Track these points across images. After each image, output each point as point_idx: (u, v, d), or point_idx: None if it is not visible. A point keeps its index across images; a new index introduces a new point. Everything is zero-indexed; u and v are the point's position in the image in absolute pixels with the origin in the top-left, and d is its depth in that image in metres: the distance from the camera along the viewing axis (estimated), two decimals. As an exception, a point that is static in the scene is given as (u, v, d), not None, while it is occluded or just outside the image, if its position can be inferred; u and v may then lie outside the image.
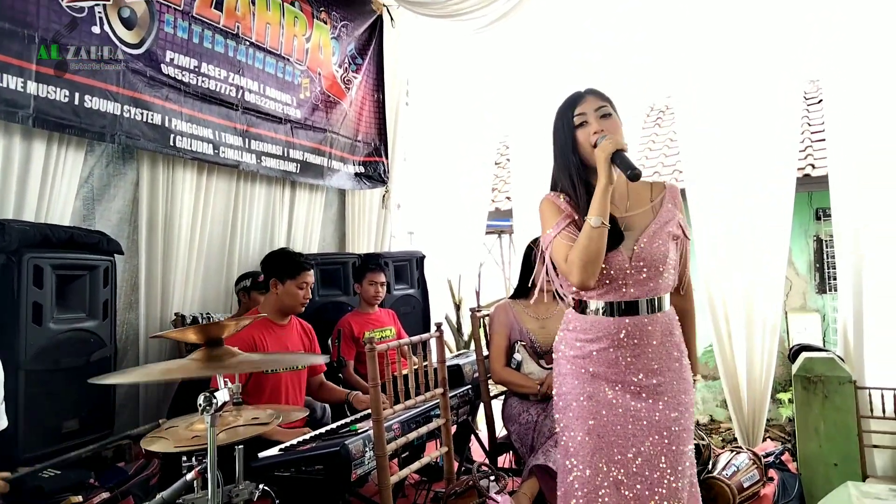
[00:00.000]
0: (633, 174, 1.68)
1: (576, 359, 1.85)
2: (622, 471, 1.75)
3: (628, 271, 1.80)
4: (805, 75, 4.21)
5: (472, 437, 3.34)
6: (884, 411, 3.29)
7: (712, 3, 3.85)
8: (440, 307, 4.90)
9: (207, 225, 3.54)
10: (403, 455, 2.81)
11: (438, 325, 2.29)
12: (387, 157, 4.78)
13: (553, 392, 1.93)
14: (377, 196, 4.87)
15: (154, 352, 3.27)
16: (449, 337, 4.84)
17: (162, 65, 3.07)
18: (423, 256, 4.57)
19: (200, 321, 3.32)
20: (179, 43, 3.16)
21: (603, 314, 1.82)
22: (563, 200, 1.87)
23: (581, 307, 1.87)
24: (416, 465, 2.31)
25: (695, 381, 1.87)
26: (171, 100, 3.11)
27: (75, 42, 2.67)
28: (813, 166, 6.22)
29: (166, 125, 3.08)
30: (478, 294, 7.77)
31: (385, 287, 3.74)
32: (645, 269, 1.81)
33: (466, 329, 4.93)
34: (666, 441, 1.77)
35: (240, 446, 1.62)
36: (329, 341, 3.56)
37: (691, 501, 1.84)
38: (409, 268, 4.43)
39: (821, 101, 5.05)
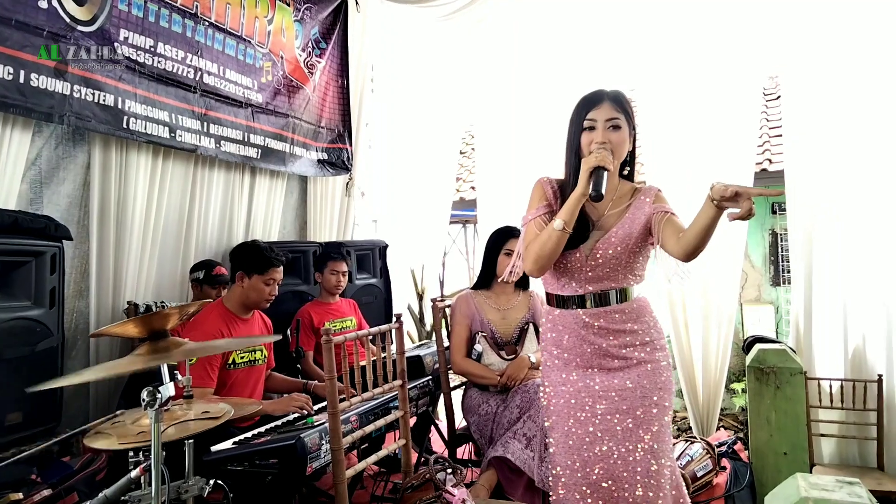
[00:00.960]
0: (594, 195, 1.79)
1: (551, 347, 2.01)
2: (592, 448, 1.87)
3: (585, 268, 1.93)
4: (764, 71, 4.28)
5: (433, 427, 3.34)
6: (831, 401, 3.40)
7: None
8: (403, 297, 4.87)
9: (163, 210, 3.42)
10: (363, 447, 2.78)
11: (398, 317, 2.26)
12: (351, 144, 4.71)
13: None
14: (340, 183, 4.80)
15: (105, 341, 3.17)
16: (411, 327, 4.82)
17: (115, 43, 2.95)
18: (386, 245, 4.53)
19: (154, 310, 3.23)
20: (134, 21, 3.05)
21: (565, 306, 1.97)
22: (551, 188, 2.00)
23: (549, 300, 2.03)
24: (374, 457, 2.28)
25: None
26: (125, 80, 3.00)
27: (20, 16, 2.54)
28: (770, 161, 6.35)
29: (119, 106, 2.96)
30: (442, 284, 7.76)
31: (347, 276, 3.70)
32: (599, 268, 1.92)
33: (429, 319, 4.91)
34: (630, 418, 1.87)
35: (189, 441, 1.57)
36: (288, 331, 3.50)
37: (671, 484, 1.89)
38: (372, 257, 4.38)
39: (779, 97, 5.14)
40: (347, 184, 4.76)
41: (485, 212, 4.79)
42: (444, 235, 5.33)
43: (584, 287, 1.94)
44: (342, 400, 1.92)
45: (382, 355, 2.23)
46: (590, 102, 1.93)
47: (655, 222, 1.91)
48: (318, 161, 4.42)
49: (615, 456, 1.84)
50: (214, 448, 2.02)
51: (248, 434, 2.18)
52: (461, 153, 8.33)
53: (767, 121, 7.07)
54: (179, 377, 1.60)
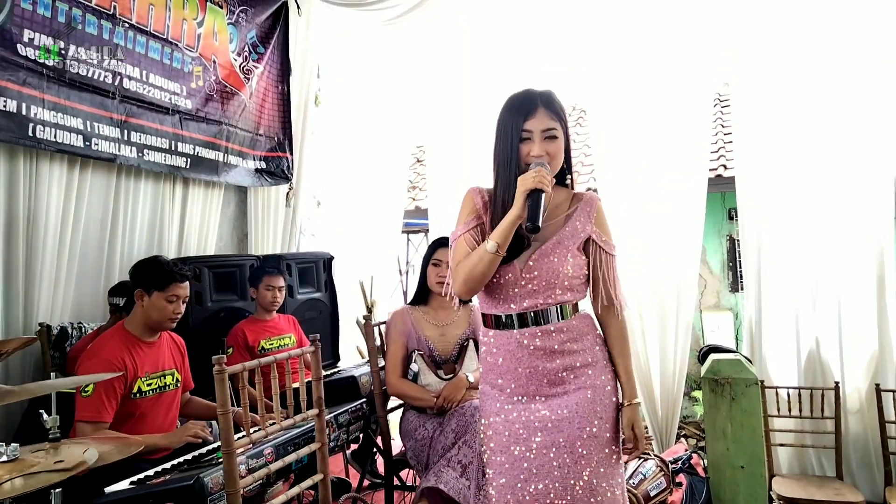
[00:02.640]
0: (531, 227, 1.64)
1: (487, 372, 1.85)
2: (527, 486, 1.70)
3: (520, 283, 1.76)
4: (718, 78, 4.24)
5: (376, 450, 3.15)
6: (789, 409, 3.30)
7: (628, 5, 3.79)
8: (354, 310, 4.67)
9: (81, 224, 3.18)
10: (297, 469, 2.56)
11: (314, 339, 2.06)
12: (291, 153, 4.51)
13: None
14: (283, 193, 4.59)
15: (16, 362, 2.91)
16: (361, 342, 4.62)
17: (18, 45, 2.72)
18: (332, 258, 4.33)
19: (70, 332, 2.99)
20: (40, 21, 2.82)
21: (500, 327, 1.81)
22: (482, 199, 1.84)
23: (485, 320, 1.87)
24: (283, 497, 2.02)
25: (634, 404, 1.80)
26: (31, 85, 2.77)
27: None
28: (725, 167, 6.32)
29: (24, 113, 2.73)
30: (405, 294, 7.56)
31: (283, 292, 3.49)
32: (534, 282, 1.76)
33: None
34: (566, 453, 1.70)
35: (56, 490, 1.36)
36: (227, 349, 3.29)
37: None
38: (316, 269, 4.18)
39: (732, 102, 5.11)
40: (288, 194, 4.55)
41: (436, 220, 4.65)
42: (395, 246, 5.16)
43: (520, 304, 1.76)
44: (242, 437, 1.70)
45: (295, 385, 2.03)
46: (523, 110, 1.76)
47: (594, 259, 1.82)
48: (256, 170, 4.21)
49: (552, 495, 1.67)
50: (109, 489, 1.79)
51: (151, 471, 1.96)
52: (419, 161, 8.19)
53: (723, 127, 7.07)
54: (45, 417, 1.40)
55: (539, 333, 1.76)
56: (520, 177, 1.69)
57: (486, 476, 1.80)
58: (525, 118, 1.74)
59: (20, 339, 1.61)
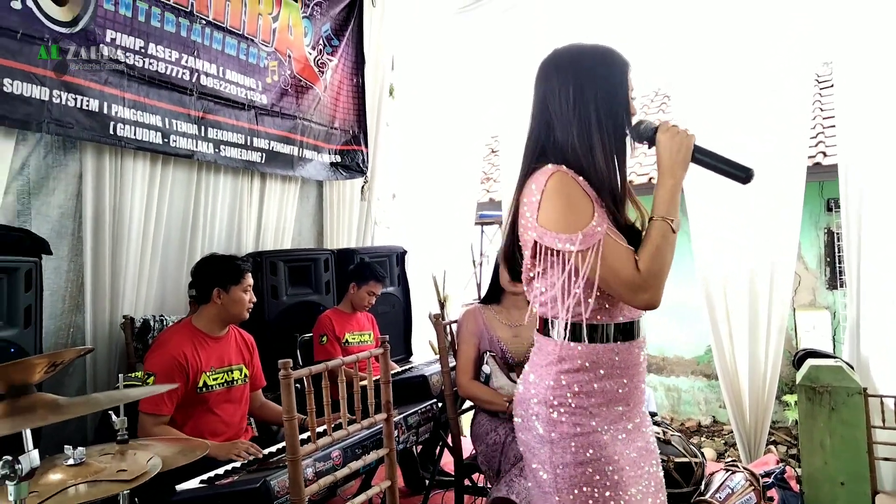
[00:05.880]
0: (750, 175, 1.36)
1: (578, 409, 1.41)
2: None
3: None
4: (818, 57, 3.92)
5: (446, 449, 3.08)
6: (896, 420, 3.01)
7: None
8: (427, 304, 4.63)
9: (163, 219, 3.26)
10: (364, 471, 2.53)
11: (384, 341, 2.01)
12: (366, 146, 4.49)
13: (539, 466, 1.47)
14: (358, 187, 4.59)
15: (102, 356, 3.02)
16: (433, 337, 4.57)
17: (101, 45, 2.79)
18: (405, 252, 4.29)
19: (153, 324, 3.07)
20: (122, 21, 2.88)
21: (606, 340, 1.43)
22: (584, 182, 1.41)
23: (584, 334, 1.42)
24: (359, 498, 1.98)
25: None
26: (112, 84, 2.83)
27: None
28: (824, 154, 5.87)
29: (105, 112, 2.80)
30: (478, 287, 7.49)
31: None
32: None
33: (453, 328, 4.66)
34: (660, 485, 1.51)
35: (125, 492, 1.36)
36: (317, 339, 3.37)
37: None
38: (389, 264, 4.16)
39: (833, 84, 4.73)
40: (363, 187, 4.54)
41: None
42: (468, 239, 5.09)
43: (635, 310, 1.46)
44: (308, 444, 1.66)
45: (363, 383, 1.98)
46: (626, 63, 1.48)
47: None
48: (331, 164, 4.21)
49: None
50: (180, 487, 1.81)
51: (221, 470, 1.96)
52: (493, 151, 8.07)
53: (822, 110, 6.58)
54: (114, 419, 1.40)
55: (639, 343, 1.48)
56: (669, 134, 1.40)
57: None
58: (628, 74, 1.47)
59: (75, 349, 1.62)
